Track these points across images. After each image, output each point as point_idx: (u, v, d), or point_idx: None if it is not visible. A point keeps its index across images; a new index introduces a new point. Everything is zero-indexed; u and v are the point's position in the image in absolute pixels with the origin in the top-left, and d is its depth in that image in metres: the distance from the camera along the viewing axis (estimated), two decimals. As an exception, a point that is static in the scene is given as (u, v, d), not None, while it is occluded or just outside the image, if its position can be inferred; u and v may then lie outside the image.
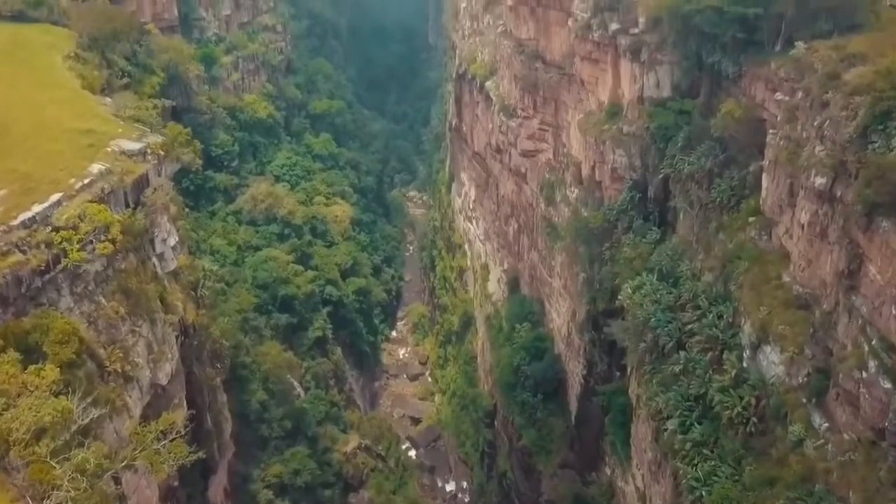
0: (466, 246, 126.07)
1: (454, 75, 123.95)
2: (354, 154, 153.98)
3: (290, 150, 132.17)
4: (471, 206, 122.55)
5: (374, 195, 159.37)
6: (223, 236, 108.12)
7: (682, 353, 47.02)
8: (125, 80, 79.71)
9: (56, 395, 30.48)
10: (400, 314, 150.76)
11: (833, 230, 36.98)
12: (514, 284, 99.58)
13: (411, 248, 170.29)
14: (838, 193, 36.40)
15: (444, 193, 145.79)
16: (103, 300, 41.05)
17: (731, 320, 45.50)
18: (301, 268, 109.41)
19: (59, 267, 37.51)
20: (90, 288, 40.29)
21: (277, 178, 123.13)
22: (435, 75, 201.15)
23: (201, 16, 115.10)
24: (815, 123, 39.24)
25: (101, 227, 38.97)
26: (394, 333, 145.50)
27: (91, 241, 39.22)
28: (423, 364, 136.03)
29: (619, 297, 55.62)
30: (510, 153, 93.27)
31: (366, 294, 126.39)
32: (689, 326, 47.78)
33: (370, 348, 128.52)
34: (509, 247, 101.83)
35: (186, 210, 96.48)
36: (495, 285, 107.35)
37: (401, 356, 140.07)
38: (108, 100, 52.77)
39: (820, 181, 37.23)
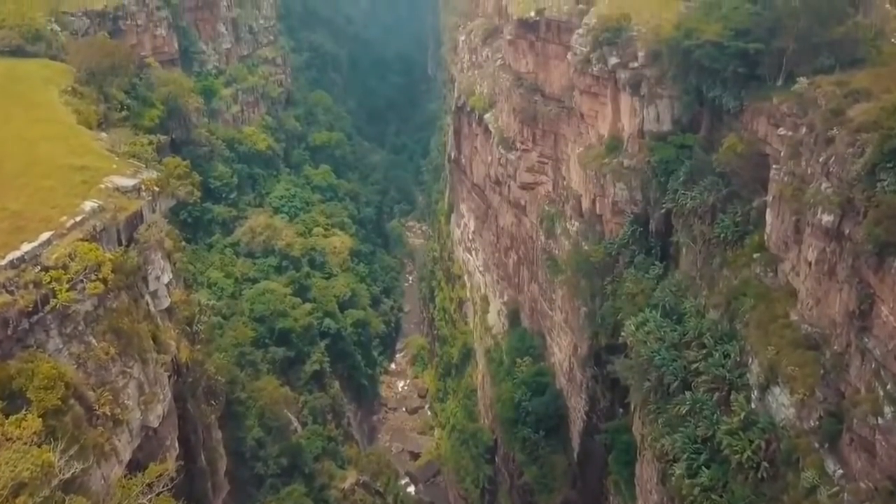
0: (466, 277, 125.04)
1: (453, 107, 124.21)
2: (354, 185, 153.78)
3: (289, 181, 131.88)
4: (470, 238, 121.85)
5: (373, 226, 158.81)
6: (221, 269, 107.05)
7: (688, 394, 45.88)
8: (124, 113, 79.84)
9: (39, 444, 29.19)
10: (399, 346, 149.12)
11: (842, 269, 36.09)
12: (514, 317, 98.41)
13: (410, 278, 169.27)
14: (846, 231, 35.62)
15: (444, 224, 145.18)
16: (93, 340, 39.84)
17: (737, 359, 44.40)
18: (299, 300, 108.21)
19: (48, 308, 36.38)
20: (80, 328, 39.10)
21: (276, 210, 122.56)
22: (434, 107, 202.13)
23: (201, 49, 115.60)
24: (821, 160, 38.63)
25: (92, 267, 37.92)
26: (392, 366, 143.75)
27: (82, 281, 38.16)
28: (423, 397, 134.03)
29: (623, 333, 54.55)
30: (509, 185, 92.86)
31: (364, 326, 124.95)
32: (695, 365, 46.67)
33: (368, 381, 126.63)
34: (509, 279, 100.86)
35: (183, 243, 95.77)
36: (495, 317, 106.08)
37: (400, 389, 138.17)
38: (104, 135, 52.24)
39: (827, 218, 36.47)
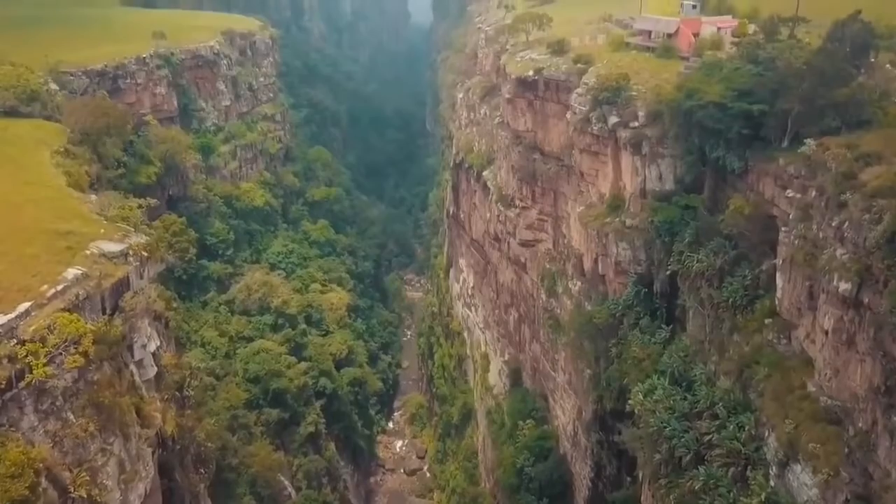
0: (465, 333, 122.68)
1: (451, 163, 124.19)
2: (352, 240, 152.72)
3: (286, 237, 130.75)
4: (469, 293, 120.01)
5: (371, 280, 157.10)
6: (215, 327, 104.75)
7: (701, 468, 43.32)
8: (120, 170, 79.06)
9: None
10: (397, 404, 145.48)
11: (863, 339, 34.27)
12: (515, 376, 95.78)
13: (409, 332, 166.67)
14: (866, 300, 33.94)
15: (443, 279, 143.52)
16: (71, 417, 37.60)
17: (753, 432, 42.08)
18: (294, 359, 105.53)
19: (23, 383, 34.34)
20: (57, 404, 36.93)
21: (273, 266, 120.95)
22: (433, 161, 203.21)
23: (201, 107, 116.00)
24: (833, 224, 37.26)
25: (72, 339, 36.00)
26: (390, 425, 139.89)
27: (61, 354, 36.19)
28: (421, 458, 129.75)
29: (630, 401, 52.23)
30: (509, 242, 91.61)
31: (361, 384, 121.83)
32: (708, 437, 44.30)
33: (365, 442, 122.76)
34: (510, 336, 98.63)
35: (177, 302, 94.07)
36: (496, 377, 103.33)
37: (398, 449, 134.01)
38: (94, 197, 51.00)
39: (844, 286, 34.84)
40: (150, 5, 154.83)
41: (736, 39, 61.54)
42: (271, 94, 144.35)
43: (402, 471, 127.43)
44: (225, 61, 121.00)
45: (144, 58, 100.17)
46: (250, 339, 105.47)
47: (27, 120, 63.80)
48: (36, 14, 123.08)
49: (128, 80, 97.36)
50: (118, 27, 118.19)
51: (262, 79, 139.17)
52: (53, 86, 77.89)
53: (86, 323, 38.12)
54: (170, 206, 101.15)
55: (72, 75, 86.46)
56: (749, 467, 41.13)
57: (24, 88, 65.47)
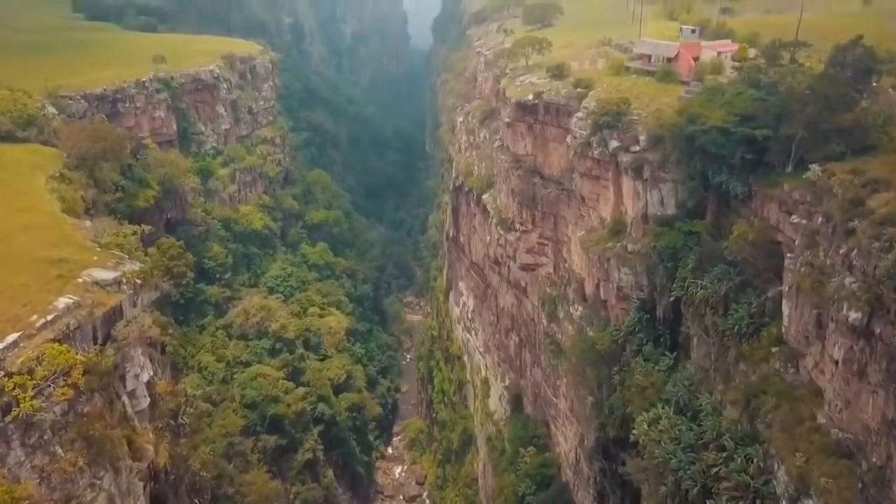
0: (465, 358, 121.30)
1: (451, 186, 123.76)
2: (351, 262, 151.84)
3: (285, 260, 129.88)
4: (469, 317, 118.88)
5: (370, 303, 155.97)
6: (212, 352, 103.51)
7: (709, 502, 42.03)
8: (118, 194, 78.47)
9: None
10: (396, 428, 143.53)
11: (874, 371, 33.31)
12: (516, 402, 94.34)
13: (408, 355, 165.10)
14: (877, 330, 33.04)
15: (442, 301, 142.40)
16: (59, 451, 36.55)
17: (761, 465, 40.91)
18: (292, 384, 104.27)
19: (10, 417, 33.38)
20: (45, 437, 35.92)
21: (271, 290, 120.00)
22: (433, 183, 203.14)
23: (200, 130, 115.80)
24: (841, 251, 36.49)
25: (62, 370, 35.09)
26: (389, 450, 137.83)
27: (49, 386, 35.24)
28: (421, 484, 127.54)
29: (634, 431, 51.00)
30: (509, 266, 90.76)
31: (360, 410, 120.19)
32: (715, 469, 43.10)
33: (364, 468, 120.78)
34: (511, 361, 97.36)
35: (173, 327, 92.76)
36: (496, 402, 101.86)
37: (397, 475, 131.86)
38: (88, 223, 50.29)
39: (854, 316, 33.96)
40: (151, 30, 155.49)
41: (737, 64, 61.24)
42: (271, 118, 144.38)
43: (401, 497, 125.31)
44: (225, 85, 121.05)
45: (144, 82, 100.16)
46: (248, 364, 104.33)
47: (23, 145, 63.31)
48: (38, 39, 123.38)
49: (127, 104, 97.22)
50: (119, 52, 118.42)
51: (261, 102, 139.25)
52: (52, 110, 77.70)
53: (76, 353, 37.30)
54: (168, 229, 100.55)
55: (71, 99, 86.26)
56: (758, 501, 39.92)
57: (21, 113, 65.03)
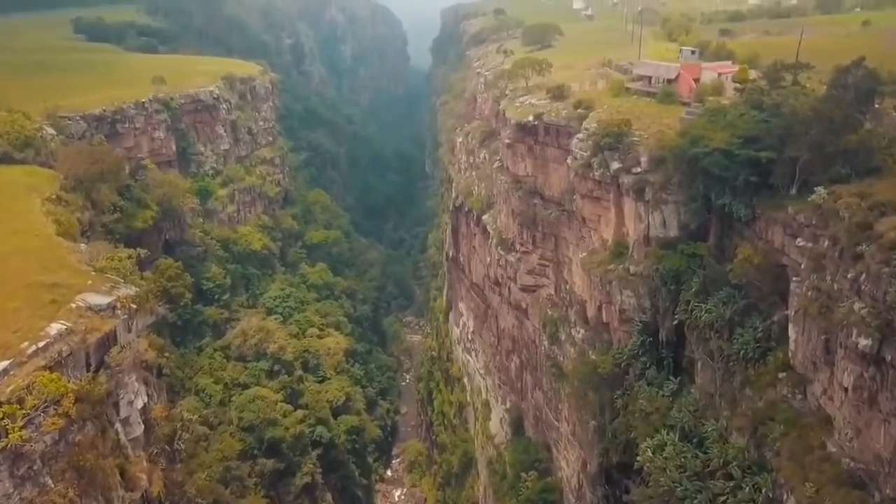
0: (466, 379, 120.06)
1: (451, 207, 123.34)
2: (350, 282, 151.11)
3: (284, 281, 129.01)
4: (469, 338, 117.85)
5: (369, 323, 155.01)
6: (210, 374, 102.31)
7: (717, 534, 40.99)
8: (116, 215, 77.89)
9: None
10: (395, 451, 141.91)
11: (886, 399, 32.50)
12: (517, 425, 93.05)
13: (408, 376, 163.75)
14: (888, 357, 32.26)
15: (442, 322, 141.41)
16: (50, 482, 35.60)
17: (770, 495, 39.88)
18: (290, 407, 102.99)
19: (-2, 448, 32.43)
20: (35, 468, 34.97)
21: (270, 311, 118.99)
22: (432, 203, 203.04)
23: (199, 151, 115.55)
24: (849, 276, 35.78)
25: (52, 399, 34.23)
26: (389, 473, 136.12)
27: (40, 415, 34.39)
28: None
29: (638, 458, 49.95)
30: (509, 287, 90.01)
31: (359, 432, 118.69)
32: (722, 499, 42.11)
33: (363, 492, 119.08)
34: (511, 383, 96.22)
35: (171, 349, 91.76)
36: (497, 425, 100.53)
37: (396, 498, 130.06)
38: (83, 246, 49.60)
39: (864, 342, 33.19)
40: (152, 51, 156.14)
41: (738, 85, 60.97)
42: (270, 138, 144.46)
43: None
44: (224, 105, 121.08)
45: (143, 102, 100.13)
46: (245, 386, 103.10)
47: (20, 166, 62.82)
48: (39, 60, 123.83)
49: (126, 125, 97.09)
50: (120, 73, 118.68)
51: (261, 122, 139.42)
52: (51, 131, 77.42)
53: (68, 381, 36.51)
54: (166, 250, 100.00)
55: (70, 120, 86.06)
56: (767, 533, 38.84)
57: (18, 135, 64.60)
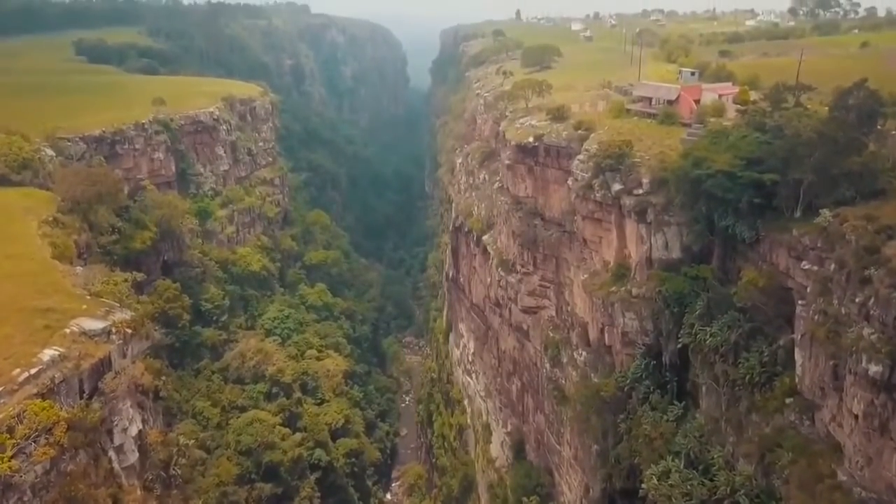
0: (466, 402, 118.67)
1: (451, 227, 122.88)
2: (350, 303, 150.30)
3: (283, 302, 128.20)
4: (470, 359, 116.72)
5: (368, 344, 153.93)
6: (207, 396, 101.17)
7: (725, 565, 39.91)
8: (114, 237, 77.41)
9: None
10: (395, 473, 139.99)
11: (897, 427, 31.71)
12: (518, 448, 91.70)
13: (407, 398, 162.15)
14: (899, 385, 31.54)
15: (442, 343, 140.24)
16: (39, 513, 34.59)
17: (780, 524, 38.92)
18: (288, 430, 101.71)
19: (-13, 479, 31.54)
20: (25, 499, 34.06)
21: (268, 332, 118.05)
22: (432, 223, 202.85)
23: (199, 171, 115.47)
24: (857, 300, 35.15)
25: (44, 428, 33.40)
26: (388, 496, 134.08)
27: (31, 444, 33.53)
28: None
29: (643, 485, 48.92)
30: (510, 308, 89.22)
31: (358, 455, 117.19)
32: (731, 529, 41.04)
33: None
34: (512, 406, 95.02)
35: (168, 372, 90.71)
36: (498, 448, 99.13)
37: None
38: (79, 269, 49.01)
39: (875, 369, 32.49)
40: (153, 73, 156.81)
41: (739, 107, 60.80)
42: (270, 159, 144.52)
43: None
44: (224, 126, 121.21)
45: (143, 123, 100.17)
46: (243, 409, 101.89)
47: (17, 188, 62.41)
48: (40, 82, 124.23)
49: (126, 146, 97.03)
50: (120, 94, 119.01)
51: (261, 143, 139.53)
52: (49, 152, 77.22)
53: (60, 408, 35.70)
54: (165, 271, 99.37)
55: (69, 141, 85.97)
56: (777, 564, 37.79)
57: (16, 156, 64.27)
